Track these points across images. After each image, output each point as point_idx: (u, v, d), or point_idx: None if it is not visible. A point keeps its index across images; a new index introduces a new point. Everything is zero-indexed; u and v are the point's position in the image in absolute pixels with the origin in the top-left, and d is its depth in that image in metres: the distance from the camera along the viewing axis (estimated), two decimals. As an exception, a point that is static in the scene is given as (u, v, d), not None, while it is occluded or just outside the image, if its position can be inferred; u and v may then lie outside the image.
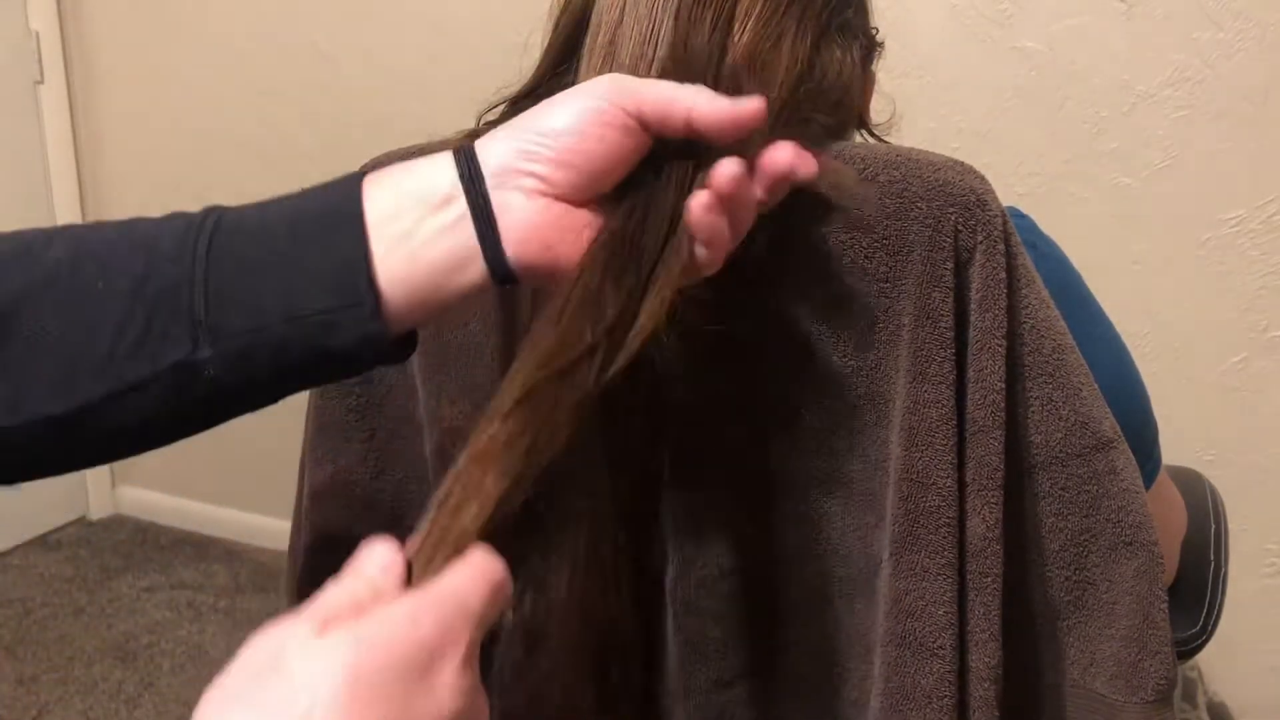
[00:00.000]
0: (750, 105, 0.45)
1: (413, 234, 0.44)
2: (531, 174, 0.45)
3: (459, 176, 0.45)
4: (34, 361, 0.43)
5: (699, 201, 0.44)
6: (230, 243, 0.45)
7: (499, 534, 0.40)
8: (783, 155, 0.46)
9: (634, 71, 0.55)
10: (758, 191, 0.46)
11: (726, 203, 0.45)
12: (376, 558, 0.37)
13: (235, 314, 0.44)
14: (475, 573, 0.37)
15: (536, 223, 0.45)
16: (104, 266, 0.45)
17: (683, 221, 0.45)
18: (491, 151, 0.46)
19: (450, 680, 0.33)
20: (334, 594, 0.35)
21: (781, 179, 0.46)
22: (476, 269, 0.45)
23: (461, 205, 0.45)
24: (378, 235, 0.44)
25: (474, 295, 0.46)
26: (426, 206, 0.45)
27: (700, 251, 0.46)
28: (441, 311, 0.46)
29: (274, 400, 0.47)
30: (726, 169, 0.44)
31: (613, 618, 0.59)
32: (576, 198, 0.46)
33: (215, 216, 0.46)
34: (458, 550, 0.38)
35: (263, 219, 0.46)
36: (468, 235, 0.45)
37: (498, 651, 0.60)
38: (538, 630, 0.58)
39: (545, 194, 0.45)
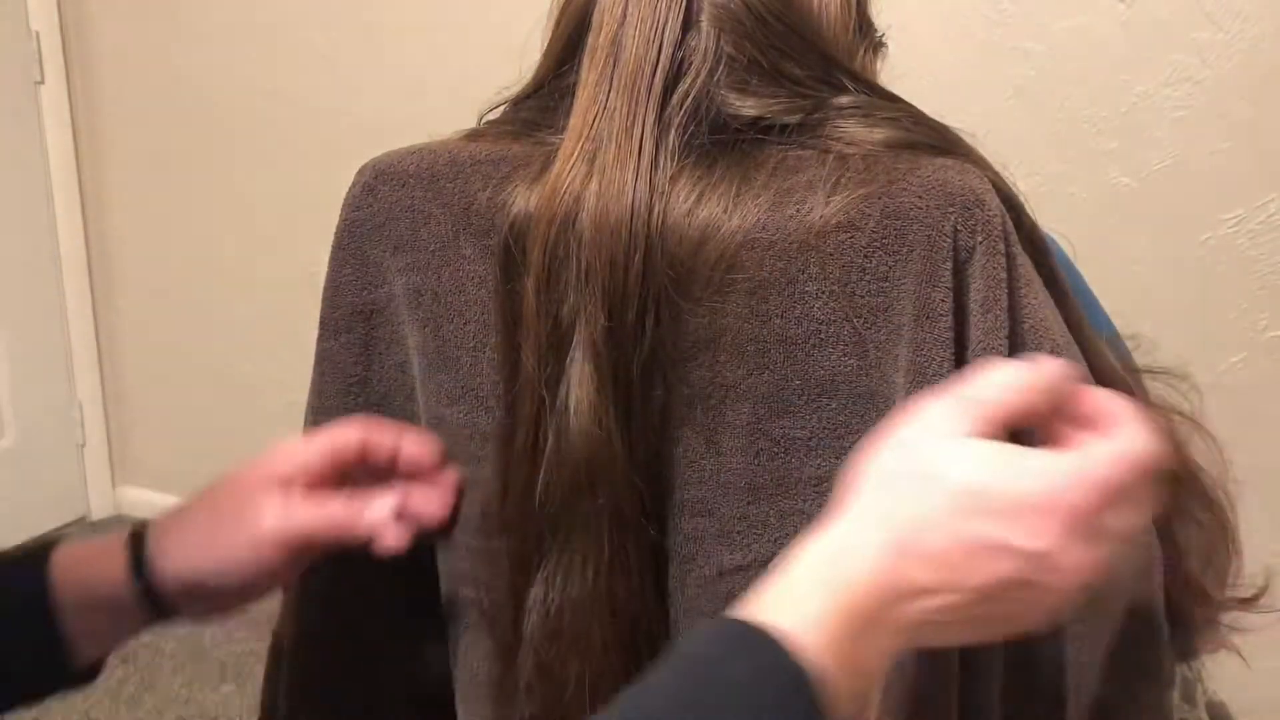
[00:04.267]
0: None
1: (103, 634, 0.58)
2: (203, 606, 0.58)
3: (140, 611, 0.56)
4: None
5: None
6: None
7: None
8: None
9: (638, 72, 0.55)
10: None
11: None
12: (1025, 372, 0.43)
13: None
14: (1120, 455, 0.41)
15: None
16: None
17: None
18: (169, 574, 0.56)
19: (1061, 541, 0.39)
20: (987, 388, 0.43)
21: None
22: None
23: (147, 616, 0.57)
24: (70, 620, 0.55)
25: None
26: (115, 616, 0.57)
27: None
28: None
29: None
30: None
31: (639, 609, 0.59)
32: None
33: None
34: None
35: None
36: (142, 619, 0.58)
37: (519, 659, 0.60)
38: (564, 629, 0.58)
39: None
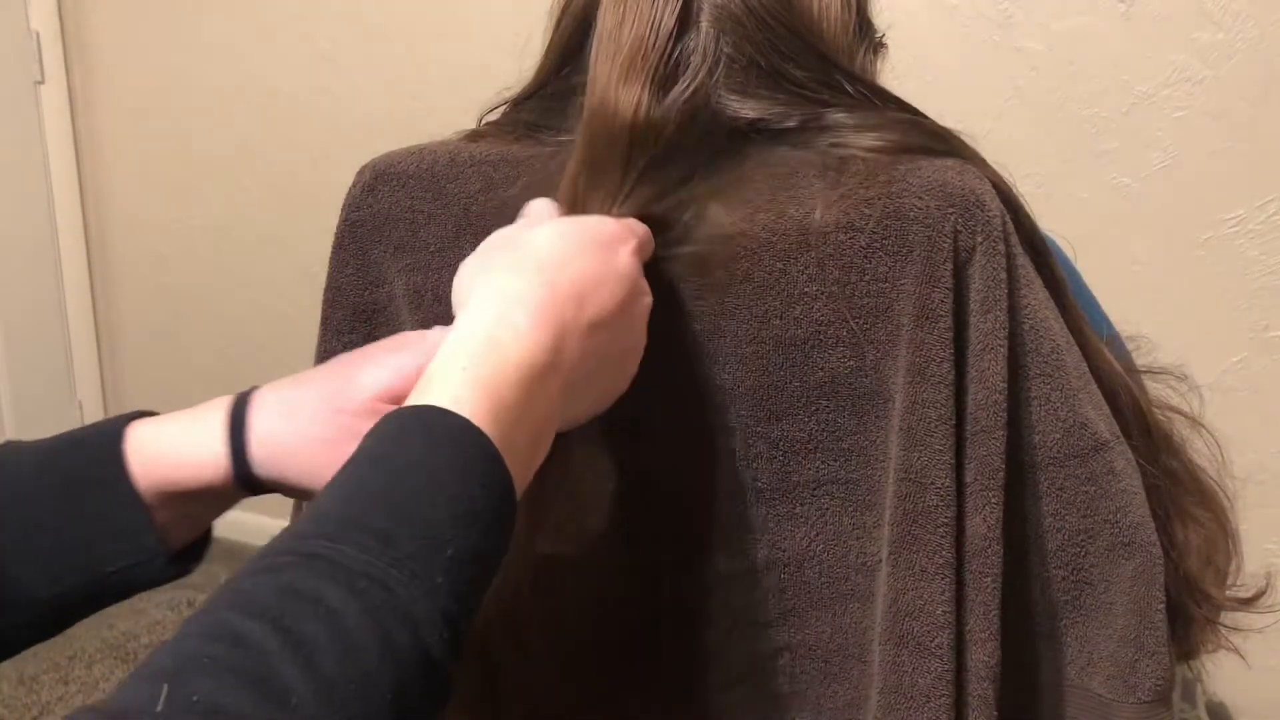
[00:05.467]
0: None
1: (191, 514, 0.52)
2: (290, 482, 0.52)
3: (233, 480, 0.51)
4: None
5: None
6: (9, 506, 0.50)
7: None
8: None
9: (640, 69, 0.55)
10: None
11: None
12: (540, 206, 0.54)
13: (34, 580, 0.49)
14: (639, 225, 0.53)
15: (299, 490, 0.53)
16: None
17: None
18: (259, 433, 0.51)
19: (624, 257, 0.50)
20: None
21: None
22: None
23: (234, 496, 0.52)
24: (157, 510, 0.50)
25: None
26: (204, 499, 0.52)
27: None
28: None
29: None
30: None
31: (636, 617, 0.59)
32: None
33: None
34: None
35: (38, 479, 0.51)
36: (238, 499, 0.53)
37: (502, 676, 0.60)
38: (560, 639, 0.58)
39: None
